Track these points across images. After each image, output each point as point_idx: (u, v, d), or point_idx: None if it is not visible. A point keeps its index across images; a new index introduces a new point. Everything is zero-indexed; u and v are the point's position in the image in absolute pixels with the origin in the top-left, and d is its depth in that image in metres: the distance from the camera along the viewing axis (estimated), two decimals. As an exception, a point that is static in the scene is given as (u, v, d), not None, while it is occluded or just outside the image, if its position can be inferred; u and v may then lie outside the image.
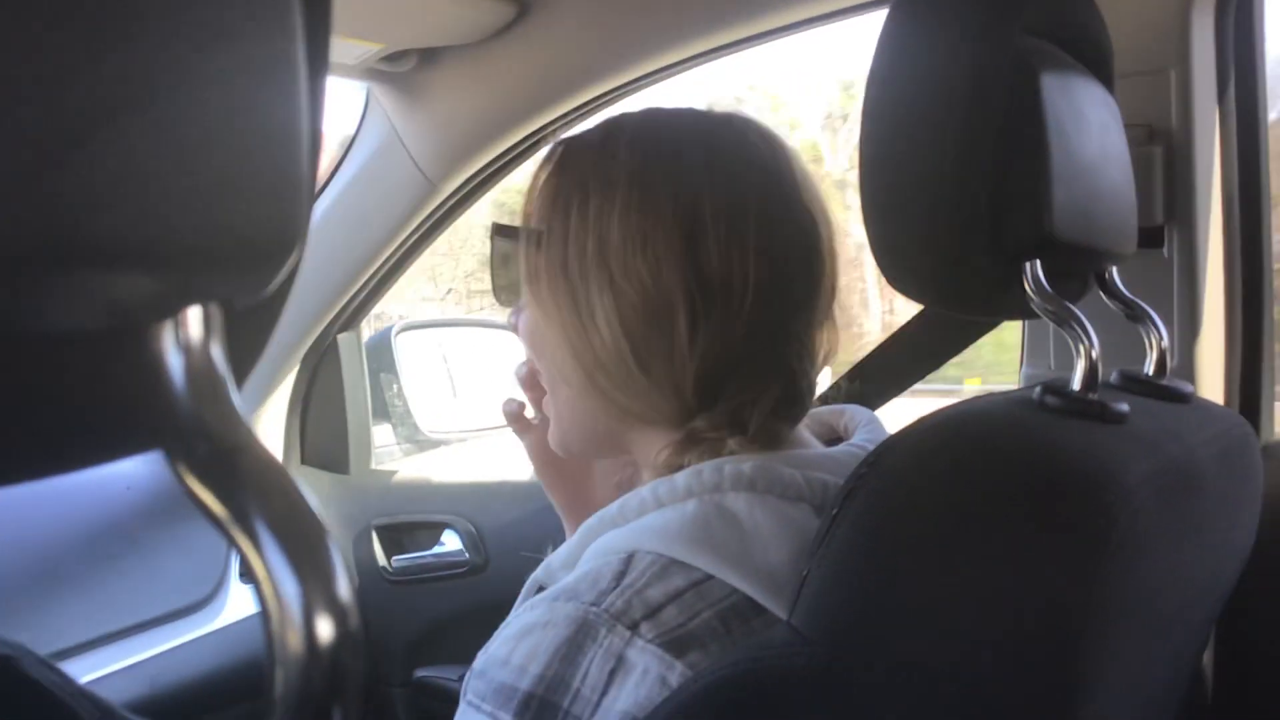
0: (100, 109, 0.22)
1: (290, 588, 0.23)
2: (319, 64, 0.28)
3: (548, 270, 0.83)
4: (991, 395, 0.77)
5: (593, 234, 0.80)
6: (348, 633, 0.24)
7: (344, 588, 0.24)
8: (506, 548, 1.85)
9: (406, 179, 1.69)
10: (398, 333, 2.06)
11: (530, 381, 0.97)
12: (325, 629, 0.23)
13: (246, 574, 0.24)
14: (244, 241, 0.25)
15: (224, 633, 1.61)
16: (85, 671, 1.39)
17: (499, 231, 0.91)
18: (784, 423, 0.82)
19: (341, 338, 1.95)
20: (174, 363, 0.24)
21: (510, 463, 2.02)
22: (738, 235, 0.78)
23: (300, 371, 1.94)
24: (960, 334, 1.39)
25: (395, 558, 1.91)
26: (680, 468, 0.79)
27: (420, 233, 1.79)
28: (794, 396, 0.82)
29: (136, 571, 1.54)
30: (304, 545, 0.24)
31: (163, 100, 0.23)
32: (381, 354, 2.05)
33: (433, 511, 1.92)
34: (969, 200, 0.71)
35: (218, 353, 0.25)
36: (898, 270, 0.77)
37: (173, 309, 0.24)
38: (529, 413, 1.03)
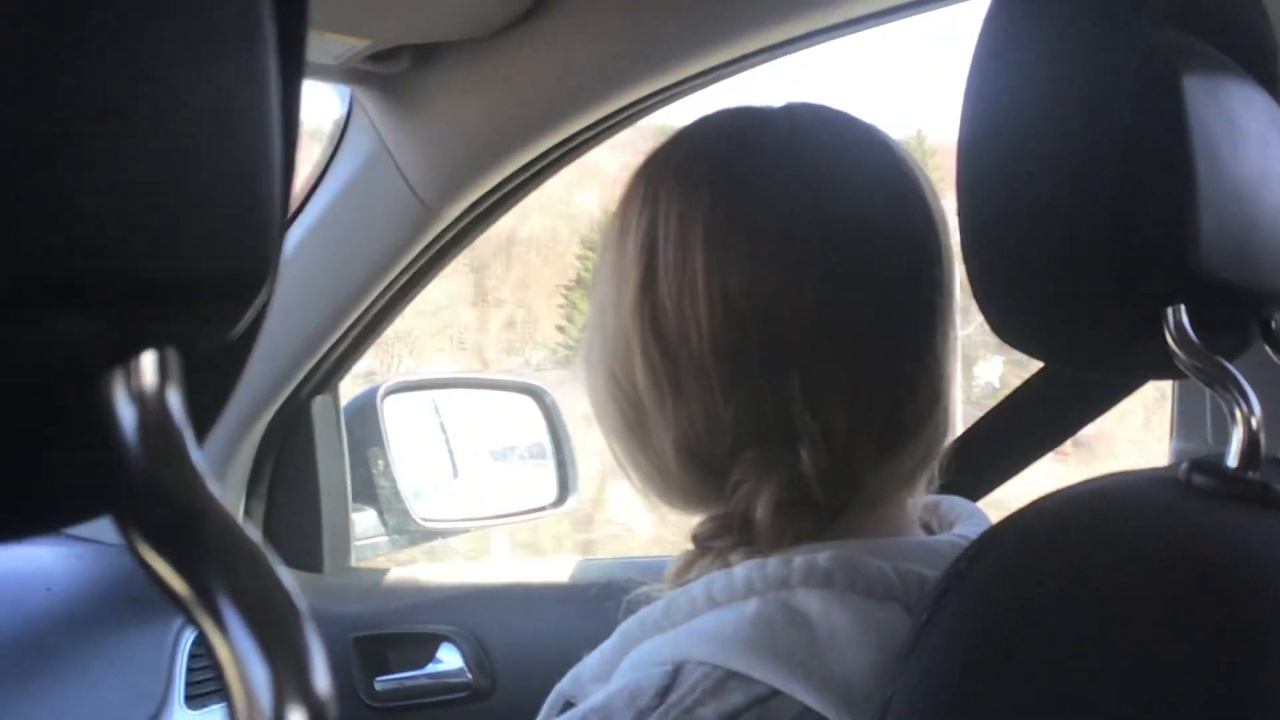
0: (44, 122, 0.24)
1: (259, 675, 0.25)
2: (294, 66, 0.30)
3: (588, 324, 0.91)
4: (1125, 473, 0.78)
5: (599, 279, 0.88)
6: None
7: (321, 678, 0.26)
8: (518, 667, 1.84)
9: (398, 204, 1.71)
10: (385, 394, 2.07)
11: None
12: None
13: (208, 656, 0.26)
14: (207, 274, 0.26)
15: (166, 771, 1.61)
16: (-9, 820, 1.40)
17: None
18: (811, 517, 0.80)
19: (316, 402, 1.97)
20: (125, 415, 0.26)
21: (526, 562, 2.02)
22: (687, 270, 0.81)
23: (264, 444, 1.96)
24: (1091, 399, 1.39)
25: (379, 679, 1.90)
26: (686, 583, 0.81)
27: (414, 270, 1.81)
28: (827, 480, 0.80)
29: (57, 693, 1.54)
30: (276, 627, 0.26)
31: (114, 113, 0.25)
32: (365, 422, 2.06)
33: (427, 621, 1.92)
34: (1092, 232, 0.72)
35: (176, 404, 0.27)
36: (1007, 320, 0.77)
37: (124, 354, 0.26)
38: None
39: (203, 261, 0.27)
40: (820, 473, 0.79)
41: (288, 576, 0.27)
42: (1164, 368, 0.76)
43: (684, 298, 0.80)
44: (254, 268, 0.27)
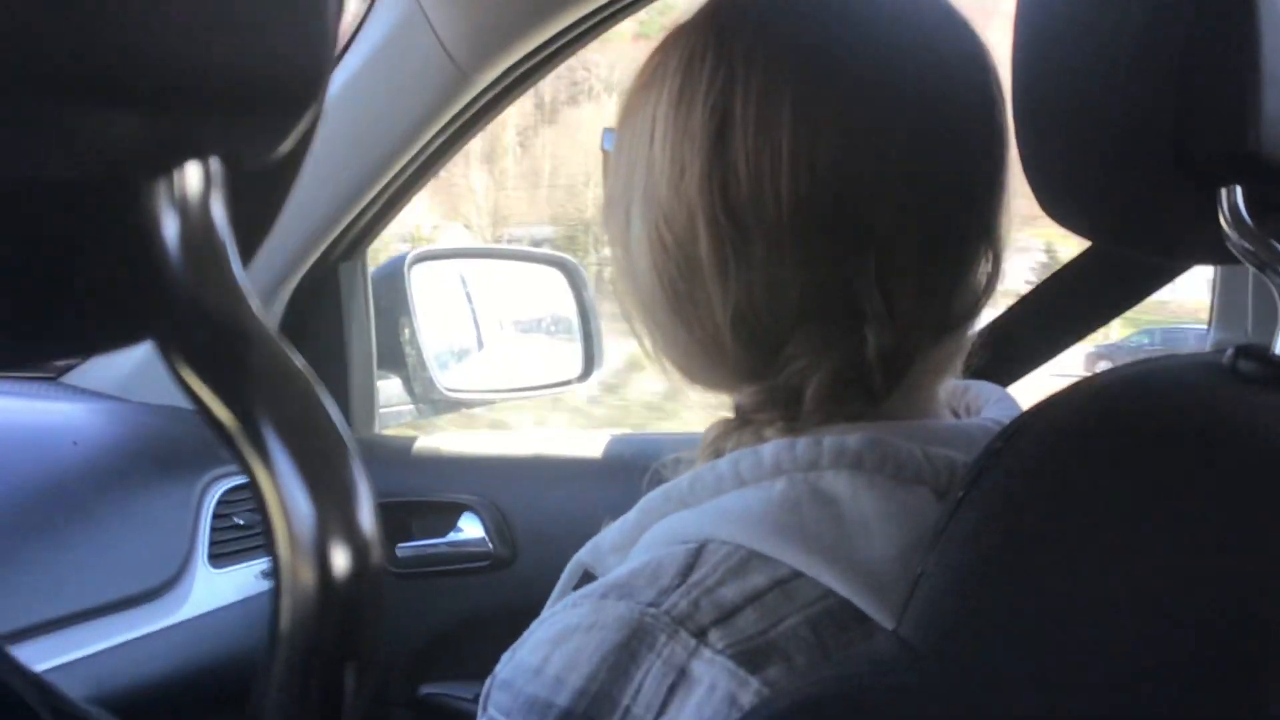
0: None
1: (303, 508, 0.24)
2: None
3: (612, 187, 0.87)
4: (1167, 357, 0.77)
5: (643, 140, 0.83)
6: (367, 570, 0.25)
7: (367, 516, 0.25)
8: (540, 538, 1.86)
9: (432, 67, 1.69)
10: (412, 263, 2.07)
11: None
12: (342, 562, 0.24)
13: (250, 488, 0.25)
14: (257, 82, 0.25)
15: (189, 627, 1.62)
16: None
17: (604, 139, 0.92)
18: (861, 398, 0.79)
19: (344, 267, 1.97)
20: (168, 226, 0.25)
21: (551, 435, 2.03)
22: (769, 135, 0.77)
23: (290, 308, 1.95)
24: (1133, 283, 1.37)
25: (400, 545, 1.93)
26: (720, 453, 0.80)
27: (447, 135, 1.79)
28: (887, 361, 0.78)
29: (82, 547, 1.55)
30: (322, 459, 0.25)
31: None
32: (392, 289, 2.05)
33: (449, 490, 1.94)
34: (1151, 111, 0.70)
35: (220, 217, 0.25)
36: (1056, 196, 0.76)
37: (168, 162, 0.25)
38: None
39: (254, 68, 0.25)
40: (882, 354, 0.77)
41: (334, 408, 0.26)
42: (1215, 251, 0.74)
43: (763, 165, 0.76)
44: (305, 79, 0.26)
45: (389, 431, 2.08)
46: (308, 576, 0.24)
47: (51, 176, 0.24)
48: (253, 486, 0.25)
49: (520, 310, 2.36)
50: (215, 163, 0.25)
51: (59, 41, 0.21)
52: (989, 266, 0.83)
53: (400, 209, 1.91)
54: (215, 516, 1.72)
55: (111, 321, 0.27)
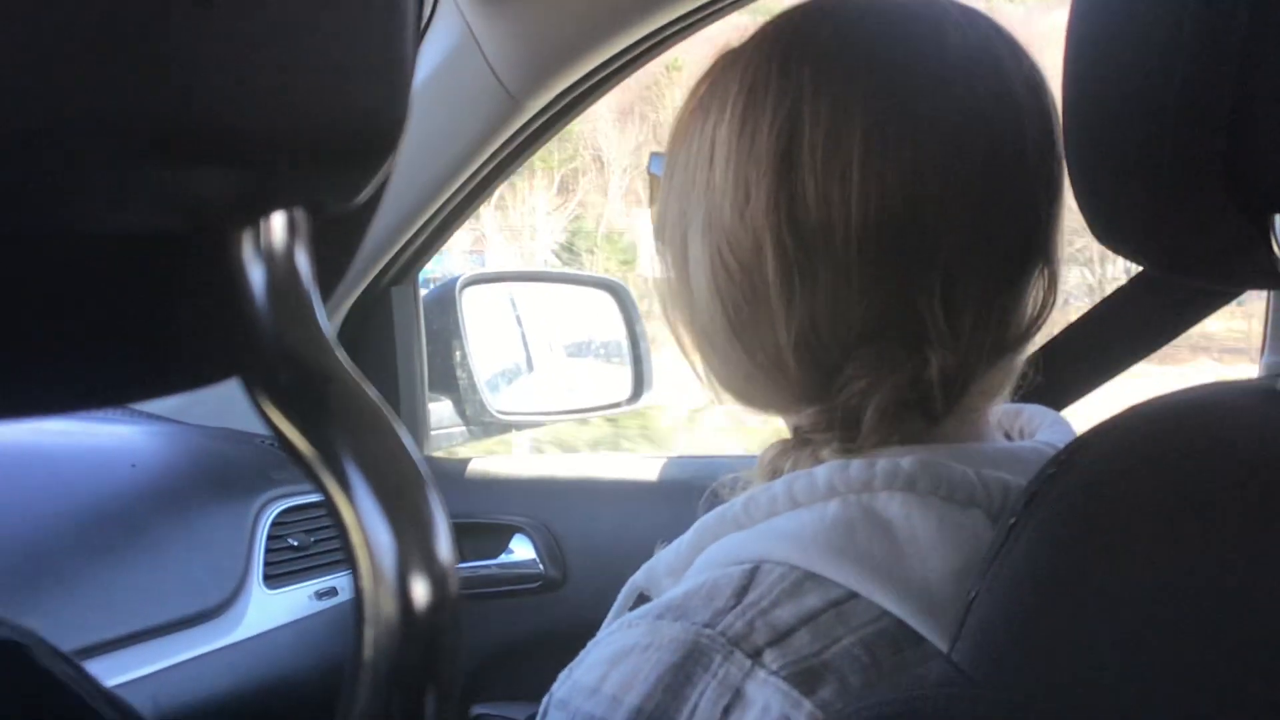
0: None
1: (384, 540, 0.25)
2: None
3: (664, 211, 0.87)
4: (1217, 383, 0.76)
5: (702, 164, 0.83)
6: (446, 598, 0.25)
7: (445, 546, 0.26)
8: (591, 560, 1.86)
9: (483, 93, 1.69)
10: (463, 286, 2.07)
11: None
12: (422, 592, 0.25)
13: (332, 520, 0.26)
14: (340, 135, 0.26)
15: (244, 647, 1.64)
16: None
17: (651, 163, 0.93)
18: (920, 419, 0.80)
19: (396, 291, 1.97)
20: (255, 274, 0.26)
21: (602, 457, 2.03)
22: (838, 159, 0.77)
23: (343, 332, 1.96)
24: (1185, 308, 1.36)
25: (452, 566, 1.92)
26: (778, 473, 0.80)
27: (498, 160, 1.80)
28: (948, 383, 0.79)
29: (140, 568, 1.56)
30: (401, 493, 0.25)
31: None
32: (443, 313, 2.06)
33: (500, 512, 1.95)
34: (1200, 132, 0.70)
35: (304, 265, 0.26)
36: (1107, 221, 0.76)
37: (257, 212, 0.26)
38: None
39: (337, 122, 0.26)
40: (944, 375, 0.78)
41: (411, 442, 0.27)
42: (1268, 276, 0.74)
43: (832, 188, 0.76)
44: (385, 130, 0.27)
45: (439, 453, 2.09)
46: (390, 607, 0.25)
47: (144, 229, 0.25)
48: (335, 519, 0.26)
49: (570, 333, 2.37)
50: (299, 212, 0.27)
51: (150, 100, 0.23)
52: (1044, 287, 0.83)
53: (452, 234, 1.92)
54: (270, 538, 1.72)
55: (203, 362, 0.28)
